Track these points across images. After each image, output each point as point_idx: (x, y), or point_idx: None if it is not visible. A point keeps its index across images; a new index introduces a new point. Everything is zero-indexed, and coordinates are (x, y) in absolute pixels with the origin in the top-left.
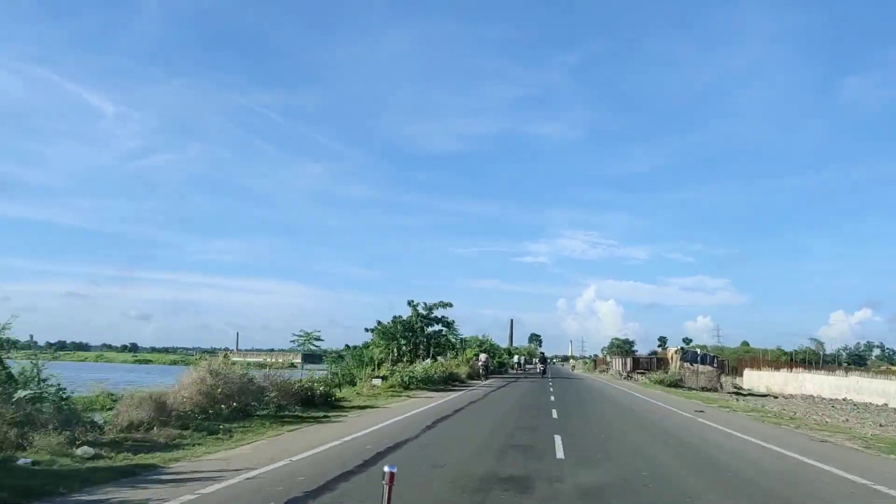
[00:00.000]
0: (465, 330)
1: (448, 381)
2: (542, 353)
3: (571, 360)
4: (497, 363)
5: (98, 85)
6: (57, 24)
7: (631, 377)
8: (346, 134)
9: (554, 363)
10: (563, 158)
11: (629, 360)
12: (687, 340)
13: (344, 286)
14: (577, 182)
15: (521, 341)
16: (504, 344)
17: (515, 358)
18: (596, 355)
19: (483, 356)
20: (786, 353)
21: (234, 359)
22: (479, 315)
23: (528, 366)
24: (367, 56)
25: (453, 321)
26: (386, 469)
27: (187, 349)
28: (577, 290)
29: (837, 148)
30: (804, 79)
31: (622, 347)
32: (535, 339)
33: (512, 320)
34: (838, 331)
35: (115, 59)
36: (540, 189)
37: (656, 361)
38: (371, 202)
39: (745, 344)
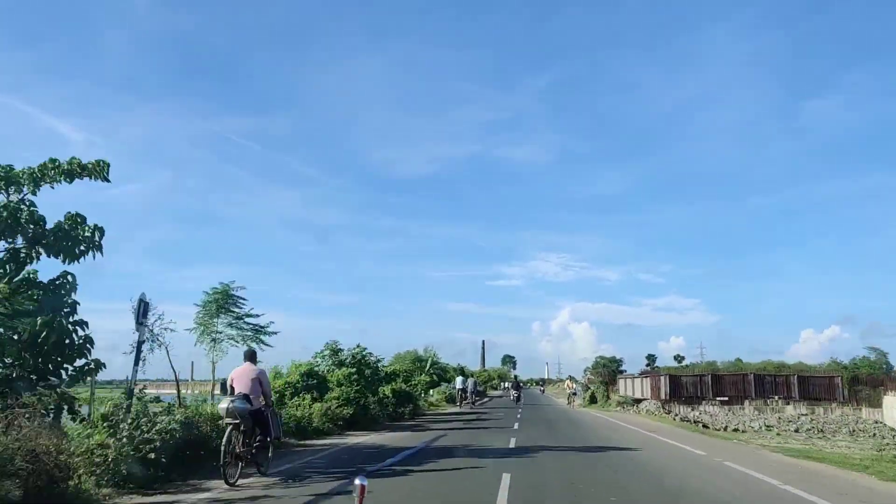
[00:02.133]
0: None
1: None
2: (516, 378)
3: (568, 382)
4: (395, 392)
5: (65, 112)
6: (22, 51)
7: (672, 414)
8: (319, 159)
9: (529, 387)
10: (534, 181)
11: (663, 381)
12: (679, 358)
13: (318, 312)
14: (549, 204)
15: (494, 364)
16: (476, 367)
17: (458, 382)
18: (571, 376)
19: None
20: (843, 367)
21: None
22: (453, 339)
23: (494, 392)
24: (340, 81)
25: (94, 234)
26: (357, 482)
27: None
28: (551, 313)
29: (801, 169)
30: (768, 101)
31: (609, 366)
32: (508, 360)
33: (483, 341)
34: (809, 348)
35: (82, 86)
36: (512, 212)
37: (713, 380)
38: (345, 227)
39: (739, 360)
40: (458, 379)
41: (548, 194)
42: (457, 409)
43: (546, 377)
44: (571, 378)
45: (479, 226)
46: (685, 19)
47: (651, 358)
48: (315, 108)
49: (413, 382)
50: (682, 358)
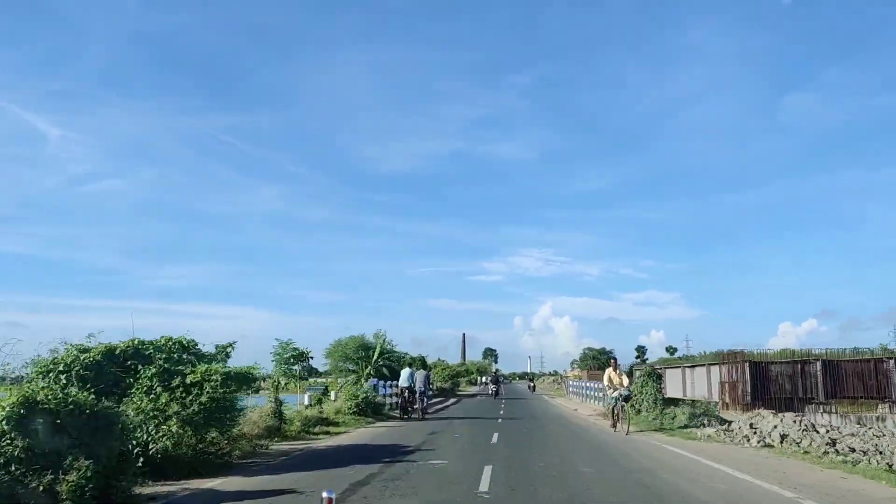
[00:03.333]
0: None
1: None
2: (497, 371)
3: (614, 375)
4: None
5: (45, 109)
6: (1, 49)
7: None
8: (303, 156)
9: (512, 382)
10: (518, 178)
11: (742, 371)
12: (671, 350)
13: (302, 309)
14: (532, 201)
15: (476, 357)
16: (456, 361)
17: (403, 377)
18: (615, 359)
19: None
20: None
21: None
22: (435, 335)
23: (470, 389)
24: (325, 79)
25: None
26: (324, 495)
27: None
28: (533, 308)
29: (783, 164)
30: (750, 98)
31: (598, 359)
32: (490, 354)
33: (464, 335)
34: (787, 342)
35: (62, 83)
36: (495, 208)
37: (824, 370)
38: (329, 225)
39: (718, 353)
40: (404, 373)
41: (531, 191)
42: (369, 435)
43: (529, 371)
44: (617, 365)
45: (462, 222)
46: (670, 18)
47: (641, 350)
48: (299, 106)
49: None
50: (675, 349)
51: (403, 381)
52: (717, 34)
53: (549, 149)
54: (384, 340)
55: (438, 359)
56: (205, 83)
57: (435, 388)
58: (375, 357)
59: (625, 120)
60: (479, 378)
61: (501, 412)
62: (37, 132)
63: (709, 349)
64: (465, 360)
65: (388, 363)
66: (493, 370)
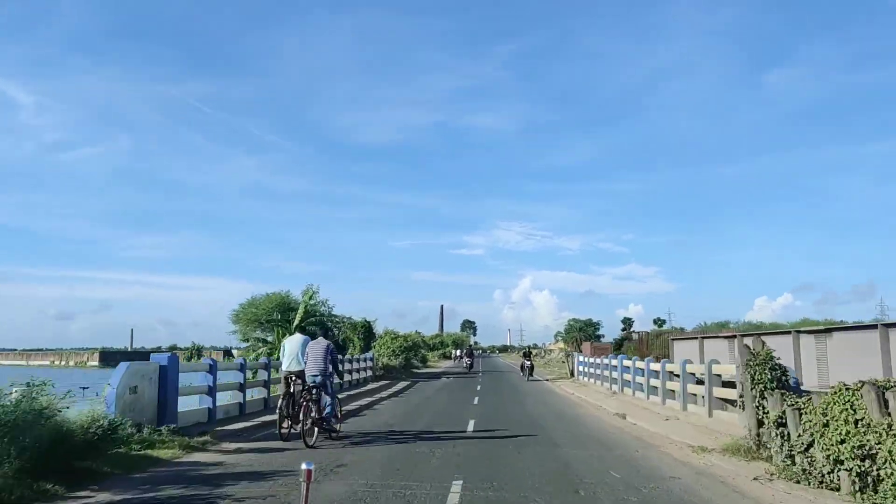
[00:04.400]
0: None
1: None
2: (471, 346)
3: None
4: None
5: (15, 74)
6: None
7: None
8: (280, 126)
9: (491, 355)
10: (500, 150)
11: None
12: (659, 322)
13: (280, 281)
14: (513, 174)
15: (454, 329)
16: (433, 332)
17: (289, 351)
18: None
19: None
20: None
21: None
22: (415, 307)
23: (443, 363)
24: (303, 47)
25: None
26: (303, 467)
27: (84, 348)
28: (513, 281)
29: (765, 138)
30: (731, 72)
31: (585, 331)
32: (468, 326)
33: (442, 306)
34: (762, 316)
35: (33, 48)
36: (476, 181)
37: None
38: (307, 195)
39: (723, 324)
40: (288, 346)
41: (513, 163)
42: None
43: (509, 343)
44: None
45: (443, 194)
46: None
47: (627, 322)
48: (277, 74)
49: None
50: (663, 321)
51: (289, 360)
52: (699, 7)
53: (531, 121)
54: (311, 296)
55: (415, 331)
56: (179, 51)
57: (379, 366)
58: (297, 321)
59: (607, 92)
60: (453, 352)
61: (470, 426)
62: (8, 98)
63: (690, 323)
64: (442, 331)
65: (313, 327)
66: (470, 343)
